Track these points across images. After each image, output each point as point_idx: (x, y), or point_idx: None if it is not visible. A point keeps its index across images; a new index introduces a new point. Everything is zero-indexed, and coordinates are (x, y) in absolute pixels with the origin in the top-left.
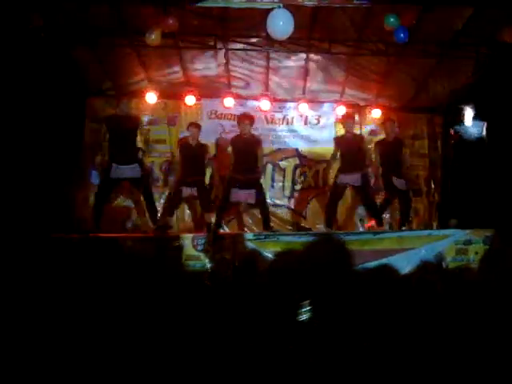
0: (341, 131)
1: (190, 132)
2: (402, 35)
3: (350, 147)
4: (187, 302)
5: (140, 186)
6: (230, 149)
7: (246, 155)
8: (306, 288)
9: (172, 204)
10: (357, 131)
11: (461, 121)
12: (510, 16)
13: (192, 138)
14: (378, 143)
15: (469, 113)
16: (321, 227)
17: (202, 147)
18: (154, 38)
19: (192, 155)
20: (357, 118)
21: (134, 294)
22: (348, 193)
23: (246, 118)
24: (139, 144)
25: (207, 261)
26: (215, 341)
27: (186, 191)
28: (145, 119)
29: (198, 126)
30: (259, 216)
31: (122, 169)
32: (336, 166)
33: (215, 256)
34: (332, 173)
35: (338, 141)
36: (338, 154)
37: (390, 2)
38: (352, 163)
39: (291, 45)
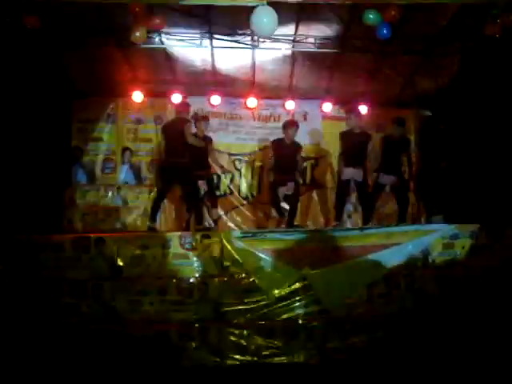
0: (327, 128)
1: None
2: (384, 31)
3: (353, 143)
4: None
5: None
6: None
7: (287, 160)
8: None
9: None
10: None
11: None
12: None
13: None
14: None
15: None
16: (310, 224)
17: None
18: (139, 35)
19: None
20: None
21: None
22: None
23: (293, 125)
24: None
25: (195, 259)
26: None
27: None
28: (131, 118)
29: None
30: (247, 213)
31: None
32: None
33: (202, 254)
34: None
35: (343, 136)
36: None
37: None
38: (354, 158)
39: (277, 42)
